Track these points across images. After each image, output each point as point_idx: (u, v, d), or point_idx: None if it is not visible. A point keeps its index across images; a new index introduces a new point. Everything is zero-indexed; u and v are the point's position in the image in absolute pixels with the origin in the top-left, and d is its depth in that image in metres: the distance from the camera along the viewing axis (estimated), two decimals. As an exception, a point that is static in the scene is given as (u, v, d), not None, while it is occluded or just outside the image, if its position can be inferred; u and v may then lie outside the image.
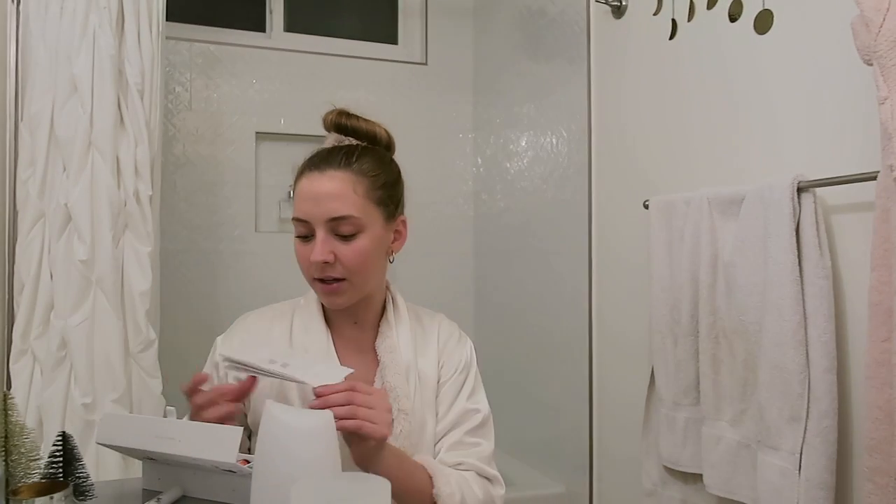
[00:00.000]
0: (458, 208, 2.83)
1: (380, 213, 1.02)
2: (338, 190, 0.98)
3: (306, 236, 1.00)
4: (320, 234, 0.98)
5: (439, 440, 1.06)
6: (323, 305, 1.09)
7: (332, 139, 1.08)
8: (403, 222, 1.09)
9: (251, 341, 1.06)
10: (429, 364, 1.09)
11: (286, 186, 2.57)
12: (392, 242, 1.07)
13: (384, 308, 1.12)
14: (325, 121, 1.09)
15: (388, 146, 1.10)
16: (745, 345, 1.36)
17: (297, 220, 1.00)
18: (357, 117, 1.08)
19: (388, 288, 1.13)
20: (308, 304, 1.10)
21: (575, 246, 2.07)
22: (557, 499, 2.12)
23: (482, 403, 1.10)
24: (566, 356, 2.12)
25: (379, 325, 1.10)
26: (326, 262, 0.97)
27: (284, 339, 1.07)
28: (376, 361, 1.06)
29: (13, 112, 1.69)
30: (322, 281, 1.00)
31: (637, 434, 1.71)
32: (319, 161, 1.02)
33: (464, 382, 1.10)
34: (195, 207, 2.46)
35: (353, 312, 1.08)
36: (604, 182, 1.99)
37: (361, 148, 1.05)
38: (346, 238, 0.98)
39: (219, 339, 1.10)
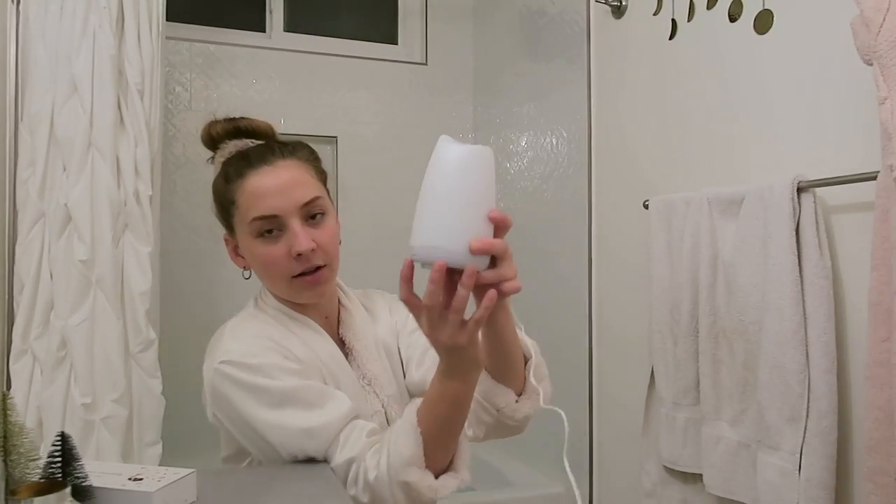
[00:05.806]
0: (458, 208, 2.83)
1: (328, 195, 1.02)
2: (298, 176, 0.97)
3: (271, 231, 0.95)
4: (295, 224, 0.94)
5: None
6: (294, 310, 1.03)
7: (231, 147, 1.05)
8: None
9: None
10: (386, 331, 1.09)
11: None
12: None
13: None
14: (212, 132, 1.06)
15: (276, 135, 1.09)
16: (744, 345, 1.36)
17: (261, 218, 0.95)
18: (243, 117, 1.07)
19: None
20: (278, 313, 1.03)
21: (575, 246, 2.07)
22: (557, 499, 2.12)
23: None
24: (566, 356, 2.11)
25: (339, 315, 1.08)
26: (312, 251, 0.94)
27: (299, 350, 0.99)
28: (343, 351, 1.04)
29: (13, 112, 1.68)
30: (304, 273, 0.96)
31: (637, 434, 1.71)
32: (259, 157, 0.99)
33: None
34: (195, 207, 2.46)
35: (324, 305, 1.05)
36: (604, 182, 1.99)
37: (290, 140, 1.04)
38: (316, 223, 0.97)
39: (224, 362, 0.94)
